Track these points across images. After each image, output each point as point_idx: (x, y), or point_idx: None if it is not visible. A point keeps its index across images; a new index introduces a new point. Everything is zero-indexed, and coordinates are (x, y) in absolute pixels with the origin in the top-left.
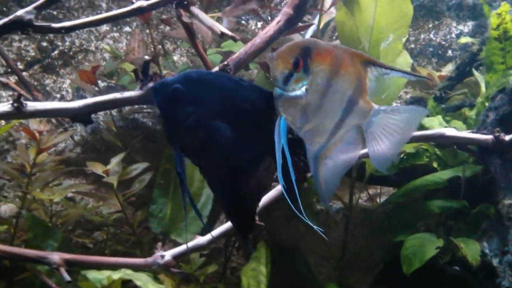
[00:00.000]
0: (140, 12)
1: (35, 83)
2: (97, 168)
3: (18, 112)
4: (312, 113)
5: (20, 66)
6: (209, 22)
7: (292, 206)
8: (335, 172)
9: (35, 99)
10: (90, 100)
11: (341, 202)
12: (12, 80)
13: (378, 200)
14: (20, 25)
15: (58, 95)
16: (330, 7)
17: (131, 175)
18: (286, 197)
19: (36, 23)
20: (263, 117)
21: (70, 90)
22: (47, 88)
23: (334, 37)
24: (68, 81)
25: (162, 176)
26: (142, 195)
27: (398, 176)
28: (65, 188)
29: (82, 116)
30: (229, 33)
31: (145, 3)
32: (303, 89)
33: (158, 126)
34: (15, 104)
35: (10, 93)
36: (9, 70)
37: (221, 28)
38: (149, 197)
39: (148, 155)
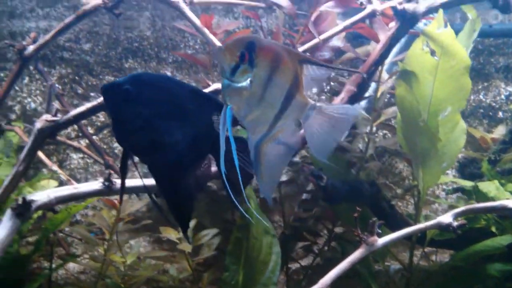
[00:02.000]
0: None
1: (105, 147)
2: (171, 234)
3: (109, 189)
4: (255, 104)
5: (91, 130)
6: None
7: (230, 194)
8: (276, 162)
9: (106, 163)
10: None
11: (399, 263)
12: (83, 144)
13: (434, 257)
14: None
15: None
16: (387, 79)
17: (203, 241)
18: (226, 185)
19: None
20: (204, 118)
21: None
22: (115, 151)
23: (385, 101)
24: None
25: (233, 244)
26: (209, 257)
27: (455, 239)
28: (141, 253)
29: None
30: None
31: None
32: (248, 81)
33: (223, 192)
34: (106, 183)
35: (81, 155)
36: (80, 134)
37: None
38: (214, 259)
39: (212, 217)
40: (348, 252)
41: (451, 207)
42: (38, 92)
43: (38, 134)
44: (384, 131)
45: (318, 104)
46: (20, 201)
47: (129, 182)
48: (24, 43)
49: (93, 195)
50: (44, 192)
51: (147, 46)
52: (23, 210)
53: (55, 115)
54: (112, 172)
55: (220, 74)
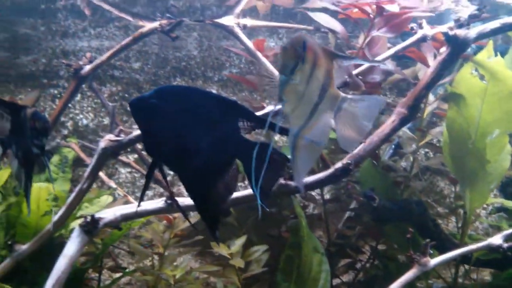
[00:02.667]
0: None
1: None
2: (222, 250)
3: (171, 207)
4: (300, 98)
5: (139, 145)
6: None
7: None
8: (310, 152)
9: (154, 178)
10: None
11: (442, 281)
12: (131, 158)
13: (475, 275)
14: None
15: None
16: (434, 102)
17: (253, 257)
18: (253, 174)
19: None
20: (230, 124)
21: None
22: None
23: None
24: None
25: (285, 261)
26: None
27: (500, 259)
28: (191, 267)
29: (223, 210)
30: None
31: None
32: (299, 77)
33: (273, 209)
34: (168, 201)
35: (129, 169)
36: (129, 149)
37: None
38: (260, 273)
39: (259, 233)
40: (390, 269)
41: (492, 226)
42: (89, 109)
43: (101, 153)
44: (426, 150)
45: (348, 96)
46: (88, 218)
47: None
48: (80, 62)
49: (155, 213)
50: (110, 210)
51: (194, 65)
52: (92, 228)
53: (118, 135)
54: (172, 193)
55: (281, 71)
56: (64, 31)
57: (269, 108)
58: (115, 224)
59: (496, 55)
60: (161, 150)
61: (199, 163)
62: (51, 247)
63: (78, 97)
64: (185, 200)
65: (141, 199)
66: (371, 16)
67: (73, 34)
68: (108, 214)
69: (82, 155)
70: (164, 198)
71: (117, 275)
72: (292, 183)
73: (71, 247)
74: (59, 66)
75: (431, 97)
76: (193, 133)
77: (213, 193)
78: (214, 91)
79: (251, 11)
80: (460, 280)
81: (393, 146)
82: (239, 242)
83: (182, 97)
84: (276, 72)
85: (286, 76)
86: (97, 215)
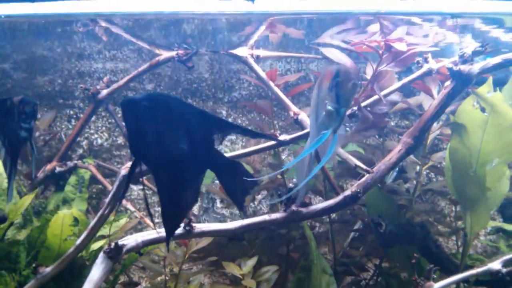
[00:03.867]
0: (282, 144)
1: None
2: (234, 270)
3: (189, 233)
4: None
5: None
6: (345, 155)
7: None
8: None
9: None
10: (244, 221)
11: None
12: None
13: None
14: None
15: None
16: (437, 129)
17: (264, 277)
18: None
19: None
20: (208, 136)
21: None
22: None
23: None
24: None
25: (296, 283)
26: None
27: (498, 280)
28: (201, 286)
29: (238, 234)
30: (364, 166)
31: (288, 137)
32: None
33: (283, 230)
34: (187, 227)
35: (141, 186)
36: None
37: (355, 161)
38: None
39: (268, 252)
40: (393, 287)
41: (491, 246)
42: (104, 128)
43: (122, 180)
44: (427, 170)
45: None
46: (112, 245)
47: (211, 226)
48: (98, 87)
49: (175, 238)
50: (132, 237)
51: (205, 87)
52: (115, 254)
53: None
54: (192, 218)
55: (344, 105)
56: (79, 53)
57: (283, 137)
58: (137, 249)
59: (496, 83)
60: (143, 150)
61: (174, 167)
62: (72, 268)
63: (93, 117)
64: (203, 226)
65: (121, 199)
66: (380, 52)
67: (88, 56)
68: (130, 241)
69: (100, 176)
70: (183, 225)
71: None
72: (303, 209)
73: (96, 272)
74: (74, 86)
75: (434, 124)
76: (173, 138)
77: (182, 198)
78: (224, 112)
79: (262, 37)
80: None
81: (397, 169)
82: (250, 263)
83: (170, 105)
84: (285, 99)
85: (345, 108)
86: (120, 242)
